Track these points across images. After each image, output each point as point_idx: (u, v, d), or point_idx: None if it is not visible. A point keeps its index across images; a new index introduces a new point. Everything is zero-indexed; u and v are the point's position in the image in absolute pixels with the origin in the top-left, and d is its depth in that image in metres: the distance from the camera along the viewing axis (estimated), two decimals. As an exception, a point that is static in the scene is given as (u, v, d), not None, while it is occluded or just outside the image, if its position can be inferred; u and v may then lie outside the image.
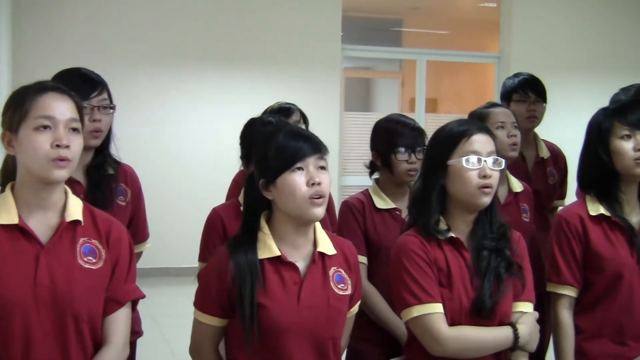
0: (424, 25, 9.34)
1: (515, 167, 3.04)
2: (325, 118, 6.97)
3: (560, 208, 2.64)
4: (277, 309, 1.84)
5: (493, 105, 2.97)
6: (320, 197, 1.87)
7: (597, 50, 7.52)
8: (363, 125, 7.25)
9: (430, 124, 7.35)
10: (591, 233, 2.31)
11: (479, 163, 2.02)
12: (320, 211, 1.88)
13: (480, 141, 2.05)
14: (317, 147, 1.91)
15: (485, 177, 2.01)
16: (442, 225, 2.06)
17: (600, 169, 2.34)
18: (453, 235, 2.06)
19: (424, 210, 2.07)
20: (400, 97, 10.08)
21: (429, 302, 1.98)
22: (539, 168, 3.38)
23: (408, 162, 2.59)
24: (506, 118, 2.86)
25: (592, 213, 2.32)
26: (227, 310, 1.88)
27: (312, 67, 7.05)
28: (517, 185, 2.90)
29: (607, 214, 2.31)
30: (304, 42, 7.06)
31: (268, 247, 1.89)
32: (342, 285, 1.97)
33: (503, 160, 2.10)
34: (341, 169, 7.20)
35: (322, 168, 1.90)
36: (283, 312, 1.85)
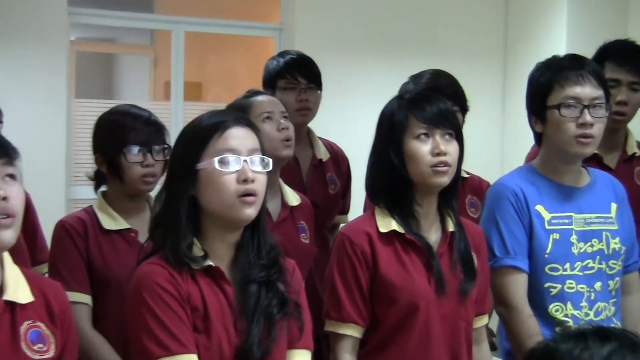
0: (182, -15, 9.37)
1: (286, 172, 3.08)
2: (45, 106, 6.66)
3: (342, 225, 2.76)
4: None
5: (256, 93, 3.00)
6: (8, 216, 1.83)
7: (402, 26, 7.92)
8: (101, 117, 7.09)
9: (191, 115, 7.33)
10: (381, 255, 2.37)
11: (237, 164, 2.04)
12: (7, 235, 1.83)
13: (238, 136, 2.07)
14: (3, 151, 1.87)
15: (246, 181, 2.03)
16: (197, 251, 2.06)
17: (391, 175, 2.40)
18: (212, 263, 2.06)
19: (171, 231, 2.05)
20: (152, 79, 10.00)
21: (180, 352, 1.97)
22: (316, 173, 3.49)
23: (143, 164, 2.62)
24: (273, 107, 2.91)
25: (383, 229, 2.39)
26: None
27: (24, 36, 6.75)
28: (294, 197, 2.98)
29: (401, 230, 2.39)
30: (10, 3, 6.78)
31: None
32: (41, 345, 1.92)
33: (270, 161, 2.13)
34: (70, 176, 6.98)
35: (11, 177, 1.86)
36: None
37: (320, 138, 3.59)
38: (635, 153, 3.47)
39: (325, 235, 3.39)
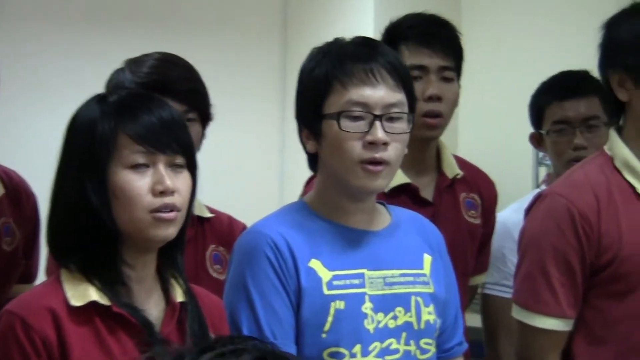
0: None
1: None
2: None
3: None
4: None
5: None
6: None
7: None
8: None
9: None
10: (74, 343, 2.36)
11: None
12: None
13: None
14: None
15: None
16: None
17: (87, 221, 2.41)
18: None
19: None
20: None
21: None
22: None
23: None
24: None
25: (75, 302, 2.38)
26: None
27: None
28: None
29: (104, 301, 2.39)
30: None
31: None
32: None
33: None
34: None
35: None
36: None
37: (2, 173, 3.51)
38: (457, 175, 3.55)
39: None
